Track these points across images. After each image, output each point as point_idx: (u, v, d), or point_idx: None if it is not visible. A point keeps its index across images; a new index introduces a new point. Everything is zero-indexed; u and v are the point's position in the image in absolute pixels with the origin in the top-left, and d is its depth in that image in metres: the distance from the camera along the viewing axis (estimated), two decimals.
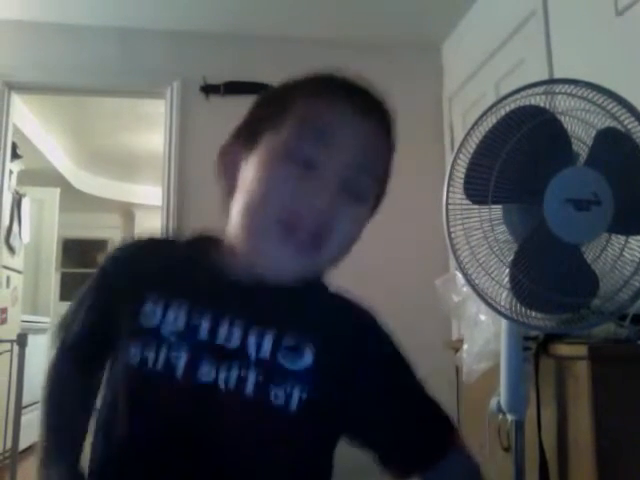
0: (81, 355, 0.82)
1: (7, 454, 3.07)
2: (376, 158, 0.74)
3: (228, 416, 0.67)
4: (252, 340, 0.68)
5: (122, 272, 0.77)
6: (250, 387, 0.66)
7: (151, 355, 0.67)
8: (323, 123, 0.70)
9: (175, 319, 0.69)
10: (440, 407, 0.76)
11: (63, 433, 0.83)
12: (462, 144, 1.22)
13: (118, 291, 0.76)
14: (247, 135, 0.74)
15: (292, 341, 0.69)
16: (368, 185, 0.72)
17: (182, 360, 0.67)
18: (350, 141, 0.70)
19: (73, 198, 5.89)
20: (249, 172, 0.71)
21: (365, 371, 0.72)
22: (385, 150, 0.75)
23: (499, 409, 1.33)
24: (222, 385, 0.66)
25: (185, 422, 0.66)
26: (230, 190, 0.74)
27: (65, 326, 0.83)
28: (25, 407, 3.00)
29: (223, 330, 0.68)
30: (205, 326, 0.68)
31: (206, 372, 0.66)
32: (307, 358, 0.68)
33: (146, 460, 0.67)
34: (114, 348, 0.73)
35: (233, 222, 0.73)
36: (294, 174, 0.69)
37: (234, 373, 0.66)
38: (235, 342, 0.68)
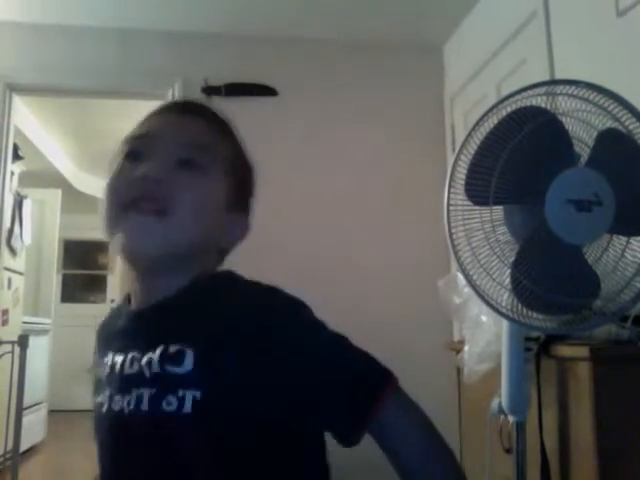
0: None
1: (8, 455, 3.07)
2: (201, 137, 0.81)
3: (134, 437, 0.72)
4: (145, 360, 0.73)
5: (98, 339, 0.89)
6: (145, 403, 0.71)
7: (98, 399, 0.79)
8: (144, 126, 0.83)
9: (105, 363, 0.80)
10: (362, 359, 0.73)
11: None
12: (463, 145, 1.22)
13: (95, 358, 0.87)
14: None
15: (175, 348, 0.71)
16: (196, 155, 0.78)
17: (106, 396, 0.76)
18: (170, 129, 0.81)
19: (74, 199, 5.89)
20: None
21: (268, 353, 0.69)
22: (212, 133, 0.83)
23: (500, 410, 1.33)
24: (125, 409, 0.72)
25: (112, 451, 0.76)
26: None
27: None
28: (26, 408, 3.00)
29: (128, 360, 0.75)
30: (118, 361, 0.77)
31: (117, 401, 0.74)
32: (188, 360, 0.70)
33: None
34: None
35: (105, 236, 0.79)
36: (126, 167, 0.78)
37: (133, 394, 0.72)
38: (135, 367, 0.74)
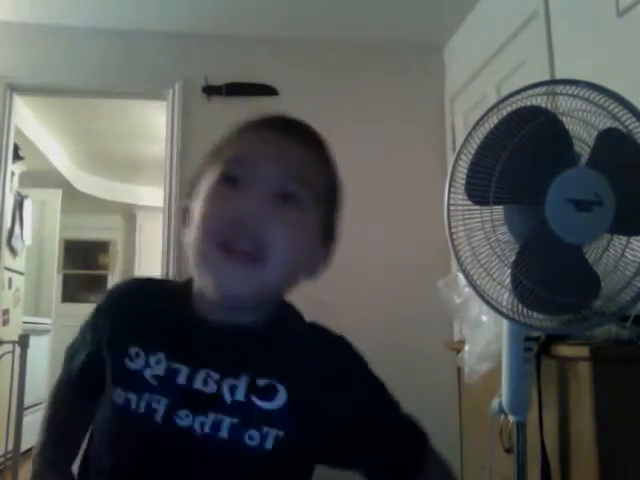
0: (78, 391, 0.87)
1: (9, 455, 3.07)
2: (301, 168, 0.76)
3: (203, 460, 0.69)
4: (227, 384, 0.70)
5: (113, 315, 0.80)
6: (225, 430, 0.68)
7: (134, 397, 0.71)
8: (244, 147, 0.76)
9: (157, 363, 0.72)
10: (413, 425, 0.78)
11: (59, 448, 0.87)
12: (463, 144, 1.22)
13: (107, 334, 0.78)
14: (194, 187, 0.78)
15: (265, 382, 0.70)
16: (296, 190, 0.73)
17: (162, 404, 0.70)
18: (271, 156, 0.74)
19: (75, 199, 5.90)
20: (194, 213, 0.75)
21: (341, 402, 0.72)
22: (311, 161, 0.78)
23: (501, 410, 1.33)
24: (198, 429, 0.68)
25: (161, 465, 0.70)
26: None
27: (70, 356, 0.87)
28: (27, 408, 3.00)
29: (200, 376, 0.71)
30: (184, 372, 0.71)
31: (184, 417, 0.69)
32: (281, 397, 0.69)
33: None
34: (104, 388, 0.76)
35: (190, 262, 0.75)
36: (224, 193, 0.72)
37: (210, 418, 0.69)
38: (212, 387, 0.70)
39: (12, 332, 3.65)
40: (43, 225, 5.30)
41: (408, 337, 2.94)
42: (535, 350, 1.36)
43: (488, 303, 1.23)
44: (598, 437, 1.21)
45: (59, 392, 0.89)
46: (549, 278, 1.17)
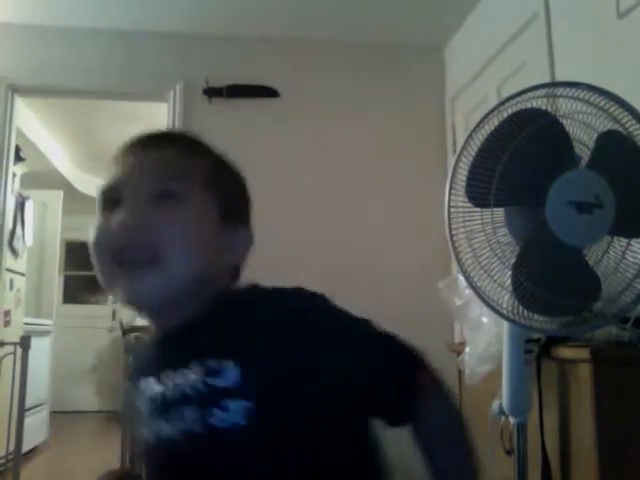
0: None
1: (10, 456, 3.07)
2: (166, 166, 0.78)
3: (189, 459, 0.70)
4: (183, 377, 0.72)
5: (134, 368, 0.89)
6: (194, 423, 0.69)
7: (143, 432, 0.77)
8: (112, 174, 0.79)
9: (144, 394, 0.78)
10: (397, 345, 0.77)
11: None
12: (464, 146, 1.23)
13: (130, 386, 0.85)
14: None
15: (215, 362, 0.70)
16: (168, 186, 0.75)
17: (152, 425, 0.75)
18: (133, 168, 0.77)
19: (76, 200, 5.89)
20: None
21: (307, 349, 0.70)
22: (176, 157, 0.80)
23: (501, 411, 1.33)
24: (177, 435, 0.71)
25: (171, 474, 0.74)
26: None
27: None
28: (28, 409, 3.00)
29: (163, 382, 0.74)
30: (158, 390, 0.75)
31: (165, 428, 0.72)
32: (232, 372, 0.69)
33: None
34: None
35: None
36: (105, 218, 0.76)
37: (181, 418, 0.71)
38: (177, 390, 0.72)
39: (13, 333, 3.65)
40: (44, 226, 5.30)
41: (409, 338, 2.94)
42: (535, 352, 1.36)
43: (488, 305, 1.23)
44: (598, 439, 1.21)
45: None
46: (549, 280, 1.17)
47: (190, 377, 0.71)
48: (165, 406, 0.73)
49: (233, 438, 0.68)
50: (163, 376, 0.74)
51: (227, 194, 0.81)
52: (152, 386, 0.76)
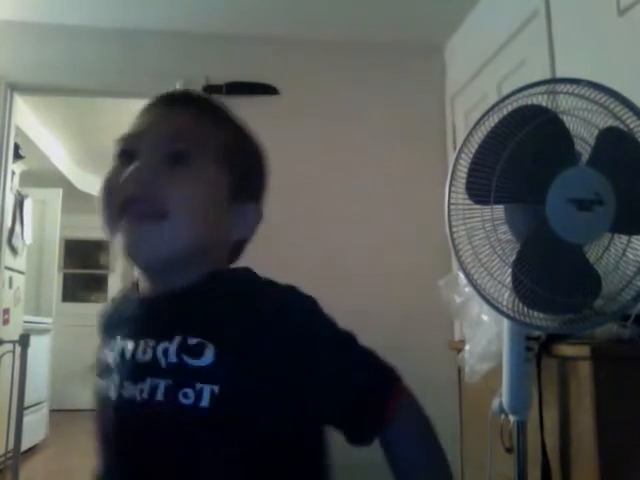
0: None
1: (9, 455, 3.07)
2: (187, 128, 0.79)
3: (146, 426, 0.71)
4: (161, 348, 0.72)
5: (102, 324, 0.87)
6: (160, 393, 0.70)
7: (103, 383, 0.78)
8: (135, 124, 0.81)
9: (114, 348, 0.78)
10: (373, 363, 0.75)
11: None
12: (464, 144, 1.22)
13: (99, 345, 0.85)
14: None
15: (196, 340, 0.70)
16: (184, 148, 0.76)
17: (115, 382, 0.75)
18: (156, 124, 0.79)
19: (75, 199, 5.89)
20: None
21: (287, 351, 0.70)
22: (199, 121, 0.80)
23: (501, 410, 1.33)
24: (138, 397, 0.71)
25: (119, 439, 0.74)
26: None
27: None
28: (27, 408, 3.00)
29: (140, 347, 0.74)
30: (129, 348, 0.75)
31: (128, 388, 0.73)
32: (209, 353, 0.69)
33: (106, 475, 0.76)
34: None
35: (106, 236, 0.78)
36: (118, 167, 0.77)
37: (147, 383, 0.71)
38: (148, 354, 0.72)
39: (13, 331, 3.65)
40: (43, 224, 5.30)
41: (408, 336, 2.94)
42: (536, 350, 1.36)
43: (489, 302, 1.23)
44: (599, 436, 1.21)
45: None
46: (550, 277, 1.17)
47: (169, 349, 0.71)
48: (136, 368, 0.73)
49: (192, 416, 0.68)
50: (142, 340, 0.74)
51: (241, 169, 0.81)
52: (126, 344, 0.75)
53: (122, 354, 0.75)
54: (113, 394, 0.74)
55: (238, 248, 0.85)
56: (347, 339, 0.75)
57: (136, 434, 0.72)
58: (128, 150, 0.77)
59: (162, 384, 0.70)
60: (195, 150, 0.76)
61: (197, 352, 0.69)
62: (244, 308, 0.73)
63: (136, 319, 0.78)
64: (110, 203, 0.75)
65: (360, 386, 0.74)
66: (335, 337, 0.75)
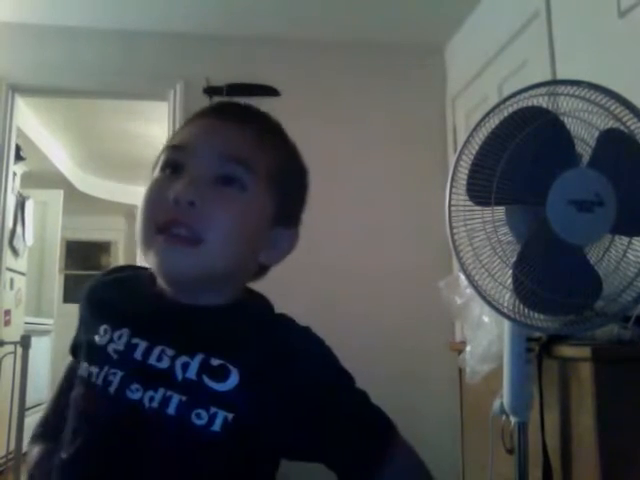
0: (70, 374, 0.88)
1: (10, 456, 3.07)
2: (240, 149, 0.76)
3: (149, 434, 0.69)
4: (180, 361, 0.70)
5: (88, 302, 0.84)
6: (172, 407, 0.68)
7: (95, 370, 0.73)
8: (185, 134, 0.78)
9: (119, 338, 0.74)
10: (375, 415, 0.76)
11: (48, 424, 0.90)
12: (465, 145, 1.22)
13: (84, 319, 0.82)
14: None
15: (219, 362, 0.69)
16: (235, 171, 0.74)
17: (117, 377, 0.71)
18: (208, 140, 0.76)
19: (76, 200, 5.90)
20: None
21: (300, 391, 0.71)
22: (252, 143, 0.77)
23: (502, 411, 1.33)
24: (146, 403, 0.69)
25: (111, 436, 0.70)
26: None
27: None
28: (28, 409, 3.00)
29: (156, 351, 0.71)
30: (141, 347, 0.72)
31: (134, 390, 0.70)
32: (232, 379, 0.69)
33: (82, 466, 0.72)
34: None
35: (139, 247, 0.77)
36: (162, 181, 0.74)
37: (160, 393, 0.69)
38: (165, 363, 0.71)
39: (14, 333, 3.65)
40: (45, 226, 5.31)
41: (409, 337, 2.94)
42: (536, 351, 1.36)
43: (489, 304, 1.23)
44: (599, 438, 1.21)
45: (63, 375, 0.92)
46: (550, 279, 1.17)
47: (189, 365, 0.70)
48: (147, 372, 0.70)
49: (202, 438, 0.68)
50: (159, 345, 0.72)
51: (288, 194, 0.80)
52: (139, 343, 0.73)
53: (130, 350, 0.73)
54: (113, 389, 0.71)
55: (262, 270, 0.84)
56: (353, 383, 0.76)
57: (135, 439, 0.70)
58: (174, 162, 0.75)
59: (175, 398, 0.68)
60: (247, 175, 0.74)
61: (220, 375, 0.69)
62: (270, 341, 0.73)
63: (152, 319, 0.76)
64: (150, 220, 0.73)
65: (359, 434, 0.75)
66: (349, 379, 0.76)
